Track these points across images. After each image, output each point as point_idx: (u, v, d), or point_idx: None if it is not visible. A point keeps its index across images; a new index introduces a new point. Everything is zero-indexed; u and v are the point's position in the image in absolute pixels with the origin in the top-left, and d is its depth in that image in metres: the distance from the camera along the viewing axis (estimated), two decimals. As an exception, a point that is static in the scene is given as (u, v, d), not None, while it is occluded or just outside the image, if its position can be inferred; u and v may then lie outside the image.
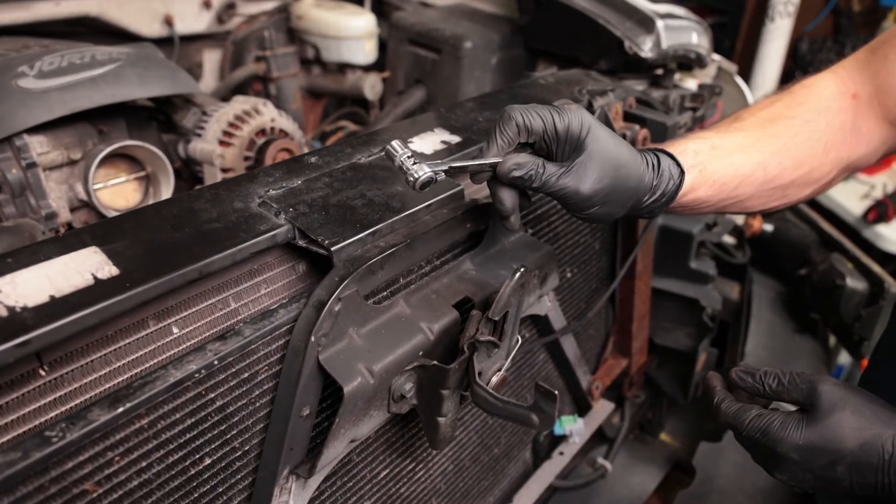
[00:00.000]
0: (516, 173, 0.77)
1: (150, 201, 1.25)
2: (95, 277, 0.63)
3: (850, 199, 2.46)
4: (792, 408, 0.78)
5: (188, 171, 1.42)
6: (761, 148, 0.90)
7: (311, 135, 1.90)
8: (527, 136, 0.78)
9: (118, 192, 1.23)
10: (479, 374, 0.84)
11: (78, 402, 0.64)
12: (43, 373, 0.62)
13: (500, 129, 0.77)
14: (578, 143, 0.77)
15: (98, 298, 0.60)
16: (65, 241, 0.67)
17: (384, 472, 1.01)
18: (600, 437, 1.61)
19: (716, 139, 0.90)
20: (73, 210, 1.18)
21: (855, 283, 1.78)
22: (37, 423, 0.61)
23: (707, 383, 0.85)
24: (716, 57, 1.75)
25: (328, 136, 1.85)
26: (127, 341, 0.67)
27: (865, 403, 0.73)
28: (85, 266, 0.64)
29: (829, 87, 0.94)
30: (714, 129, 0.94)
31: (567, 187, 0.77)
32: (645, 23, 1.47)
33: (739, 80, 1.86)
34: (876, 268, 1.83)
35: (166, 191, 1.24)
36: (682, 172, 0.85)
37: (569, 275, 1.28)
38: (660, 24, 1.47)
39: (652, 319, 1.65)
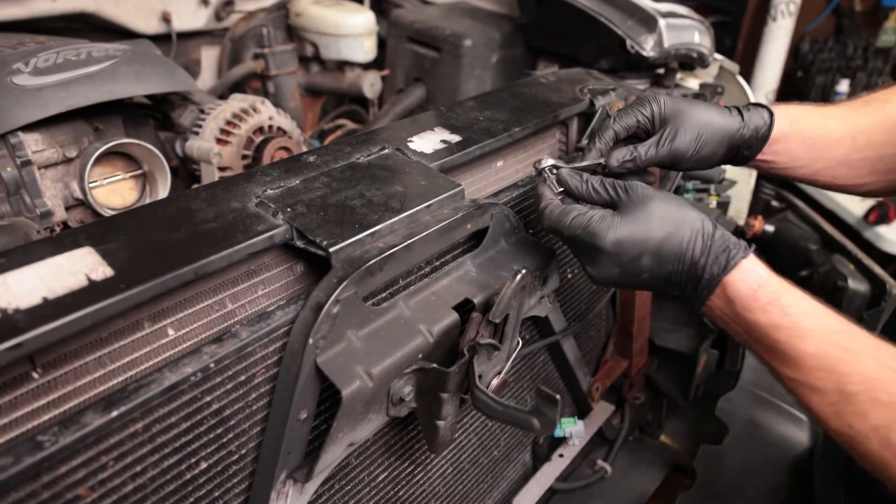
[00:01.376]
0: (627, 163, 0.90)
1: (147, 200, 1.24)
2: (89, 278, 0.62)
3: (851, 200, 2.45)
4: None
5: (185, 170, 1.41)
6: (852, 120, 0.96)
7: (309, 133, 1.88)
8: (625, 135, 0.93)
9: (114, 191, 1.22)
10: (480, 377, 0.83)
11: (71, 405, 0.63)
12: (36, 375, 0.61)
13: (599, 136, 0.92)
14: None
15: (92, 300, 0.59)
16: (59, 242, 0.66)
17: (382, 476, 1.00)
18: (600, 439, 1.60)
19: (808, 107, 0.97)
20: (68, 209, 1.17)
21: (857, 284, 1.78)
22: (29, 426, 0.60)
23: (537, 192, 0.89)
24: (717, 56, 1.74)
25: (327, 135, 1.84)
26: (121, 343, 0.66)
27: (671, 198, 0.80)
28: (79, 267, 0.63)
29: None
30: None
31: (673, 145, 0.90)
32: (647, 21, 1.46)
33: (741, 80, 1.85)
34: (878, 269, 1.82)
35: (163, 189, 1.23)
36: (771, 114, 0.93)
37: (569, 275, 1.27)
38: (662, 22, 1.46)
39: (652, 321, 1.64)
